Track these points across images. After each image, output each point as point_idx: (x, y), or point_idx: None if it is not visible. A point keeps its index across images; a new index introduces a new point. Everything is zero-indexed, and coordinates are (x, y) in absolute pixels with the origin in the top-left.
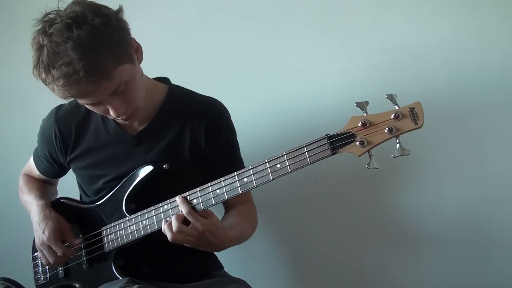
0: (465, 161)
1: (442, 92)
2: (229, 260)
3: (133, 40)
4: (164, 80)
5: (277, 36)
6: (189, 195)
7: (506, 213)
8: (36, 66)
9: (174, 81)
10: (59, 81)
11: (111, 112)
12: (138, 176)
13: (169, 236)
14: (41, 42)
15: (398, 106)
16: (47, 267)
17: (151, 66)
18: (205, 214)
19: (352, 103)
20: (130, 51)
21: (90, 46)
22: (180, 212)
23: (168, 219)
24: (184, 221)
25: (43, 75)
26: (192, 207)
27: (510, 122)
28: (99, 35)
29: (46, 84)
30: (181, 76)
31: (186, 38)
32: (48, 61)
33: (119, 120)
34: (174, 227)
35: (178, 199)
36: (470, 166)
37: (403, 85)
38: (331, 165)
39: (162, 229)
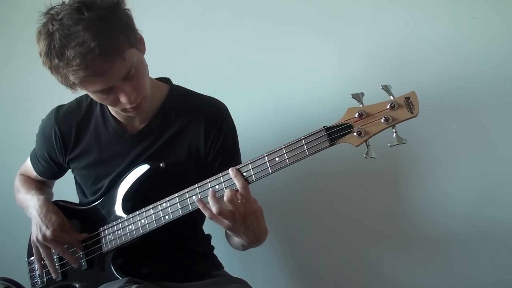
0: (468, 160)
1: (443, 93)
2: (229, 260)
3: (137, 29)
4: (165, 80)
5: (277, 36)
6: (189, 190)
7: (508, 213)
8: (47, 53)
9: (175, 81)
10: (75, 61)
11: (123, 99)
12: (134, 175)
13: (215, 209)
14: (51, 28)
15: (394, 96)
16: (44, 270)
17: (152, 66)
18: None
19: (353, 103)
20: (137, 38)
21: (102, 26)
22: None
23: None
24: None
25: (56, 61)
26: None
27: (511, 121)
28: (109, 17)
29: (57, 71)
30: (182, 77)
31: (187, 38)
32: (61, 44)
33: (128, 108)
34: (226, 196)
35: (232, 171)
36: (474, 165)
37: (404, 85)
38: (331, 165)
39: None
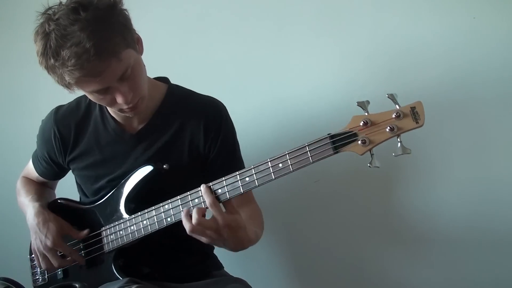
0: (465, 161)
1: (443, 93)
2: (229, 260)
3: (134, 30)
4: (163, 80)
5: (278, 36)
6: (191, 193)
7: (507, 213)
8: (43, 53)
9: (173, 81)
10: (70, 61)
11: (119, 99)
12: (137, 176)
13: (187, 227)
14: (47, 29)
15: (399, 106)
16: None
17: (151, 66)
18: (231, 209)
19: (353, 103)
20: (134, 38)
21: (98, 27)
22: (201, 205)
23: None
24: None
25: (51, 61)
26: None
27: (510, 122)
28: (105, 17)
29: (53, 71)
30: (181, 76)
31: (186, 38)
32: (57, 44)
33: (125, 108)
34: (194, 219)
35: (202, 188)
36: (471, 167)
37: (404, 85)
38: (331, 165)
39: (183, 221)
